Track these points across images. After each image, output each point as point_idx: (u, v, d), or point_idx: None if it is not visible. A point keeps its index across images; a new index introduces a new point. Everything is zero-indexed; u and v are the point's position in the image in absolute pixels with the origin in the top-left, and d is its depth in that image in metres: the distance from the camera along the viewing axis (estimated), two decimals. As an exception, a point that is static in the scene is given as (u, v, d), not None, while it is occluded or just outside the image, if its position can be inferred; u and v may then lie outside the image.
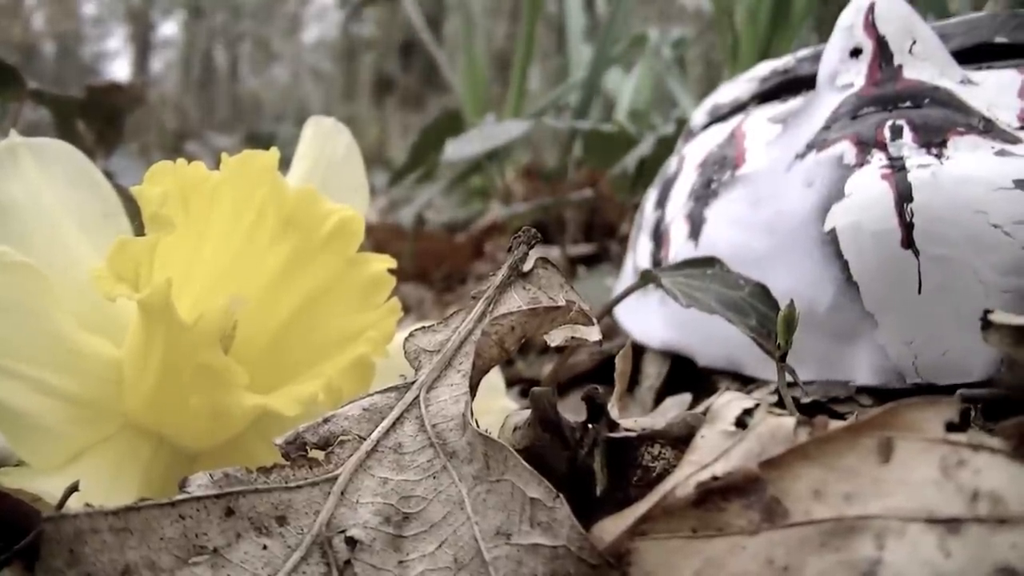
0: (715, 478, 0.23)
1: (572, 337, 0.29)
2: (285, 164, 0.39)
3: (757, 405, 0.25)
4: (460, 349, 0.29)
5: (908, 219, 0.37)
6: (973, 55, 0.44)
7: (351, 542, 0.24)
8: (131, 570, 0.23)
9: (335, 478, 0.26)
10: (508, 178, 1.29)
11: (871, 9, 0.44)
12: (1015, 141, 0.38)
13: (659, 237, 0.53)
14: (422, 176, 1.29)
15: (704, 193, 0.49)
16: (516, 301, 0.30)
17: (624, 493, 0.29)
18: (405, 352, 0.29)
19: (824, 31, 0.46)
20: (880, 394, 0.39)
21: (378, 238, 1.15)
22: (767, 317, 0.39)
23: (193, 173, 0.34)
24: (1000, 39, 0.44)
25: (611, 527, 0.25)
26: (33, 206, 0.35)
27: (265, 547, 0.24)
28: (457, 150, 1.00)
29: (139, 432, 0.33)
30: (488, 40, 2.15)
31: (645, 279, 0.44)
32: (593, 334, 0.29)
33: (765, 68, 0.55)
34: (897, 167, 0.38)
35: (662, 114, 1.55)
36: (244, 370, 0.32)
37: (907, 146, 0.39)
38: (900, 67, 0.42)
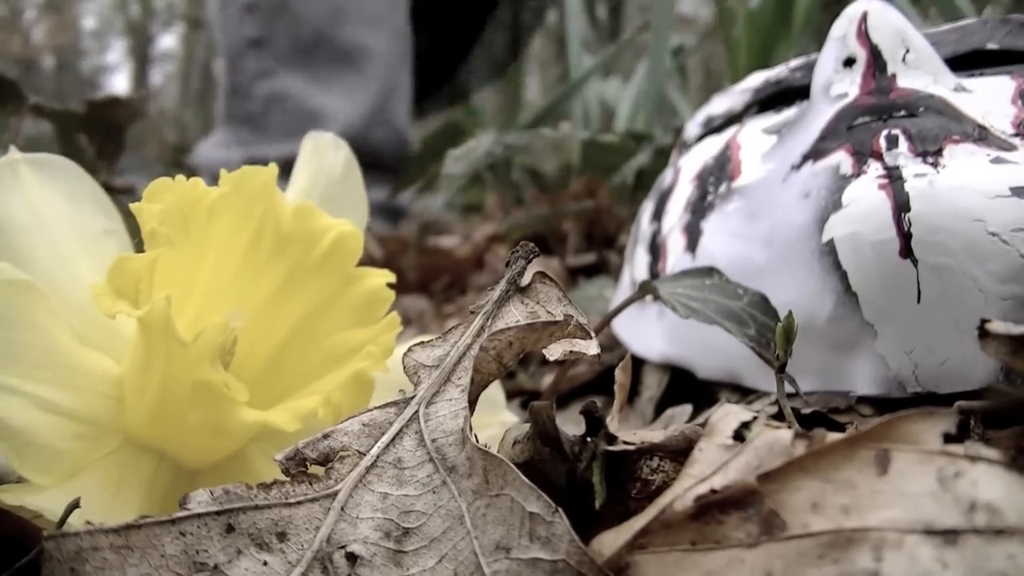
0: (713, 491, 0.23)
1: (570, 351, 0.29)
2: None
3: (755, 418, 0.26)
4: (459, 364, 0.29)
5: (906, 229, 0.37)
6: (965, 62, 0.44)
7: (351, 557, 0.24)
8: (132, 588, 0.23)
9: (335, 494, 0.26)
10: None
11: (864, 18, 0.44)
12: (1010, 148, 0.38)
13: (656, 250, 0.53)
14: (422, 187, 1.30)
15: (700, 206, 0.49)
16: (514, 316, 0.30)
17: (623, 506, 0.29)
18: (404, 367, 0.30)
19: (825, 39, 0.46)
20: (881, 404, 0.39)
21: (389, 249, 1.16)
22: (766, 327, 0.39)
23: (192, 189, 0.34)
24: (992, 46, 0.44)
25: (610, 540, 0.25)
26: (33, 222, 0.35)
27: (266, 563, 0.24)
28: (457, 161, 1.00)
29: (140, 448, 0.33)
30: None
31: (643, 290, 0.44)
32: (591, 348, 0.29)
33: (758, 78, 0.55)
34: (894, 177, 0.38)
35: (662, 123, 1.56)
36: (244, 386, 0.32)
37: (903, 155, 0.39)
38: (894, 76, 0.42)
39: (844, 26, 0.45)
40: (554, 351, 0.29)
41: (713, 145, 0.53)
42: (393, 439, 0.28)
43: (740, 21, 1.18)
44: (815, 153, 0.42)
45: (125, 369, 0.34)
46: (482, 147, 0.99)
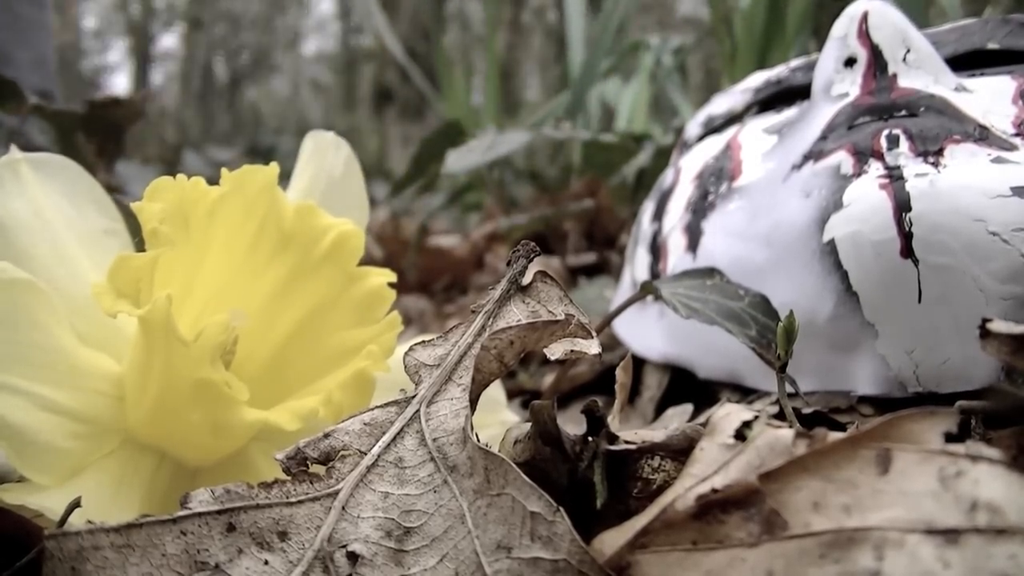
0: (715, 491, 0.23)
1: (571, 350, 0.29)
2: (285, 177, 0.40)
3: (756, 417, 0.26)
4: (460, 363, 0.29)
5: (907, 228, 0.37)
6: (966, 62, 0.44)
7: (352, 557, 0.24)
8: (133, 587, 0.23)
9: (336, 493, 0.26)
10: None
11: (864, 18, 0.44)
12: (1011, 148, 0.38)
13: (657, 250, 0.53)
14: (422, 187, 1.30)
15: (701, 205, 0.49)
16: (515, 315, 0.30)
17: (624, 506, 0.29)
18: (405, 366, 0.30)
19: (822, 37, 0.46)
20: (881, 404, 0.39)
21: (390, 249, 1.16)
22: (767, 327, 0.39)
23: (193, 189, 0.34)
24: (992, 45, 0.44)
25: (611, 540, 0.25)
26: (34, 222, 0.35)
27: (267, 562, 0.24)
28: (458, 161, 1.00)
29: (141, 448, 0.33)
30: (488, 51, 2.16)
31: (644, 290, 0.44)
32: (592, 347, 0.29)
33: (759, 78, 0.55)
34: (895, 176, 0.38)
35: (662, 123, 1.56)
36: (245, 385, 0.32)
37: (904, 155, 0.39)
38: (895, 76, 0.42)
39: (845, 26, 0.45)
40: (555, 350, 0.29)
41: (714, 145, 0.53)
42: (394, 438, 0.28)
43: (736, 22, 1.18)
44: (816, 153, 0.42)
45: (126, 368, 0.34)
46: (482, 146, 0.99)
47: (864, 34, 0.44)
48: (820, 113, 0.44)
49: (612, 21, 1.42)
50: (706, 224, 0.48)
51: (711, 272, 0.44)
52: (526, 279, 0.31)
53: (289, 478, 0.26)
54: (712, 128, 0.57)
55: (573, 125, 1.14)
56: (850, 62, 0.44)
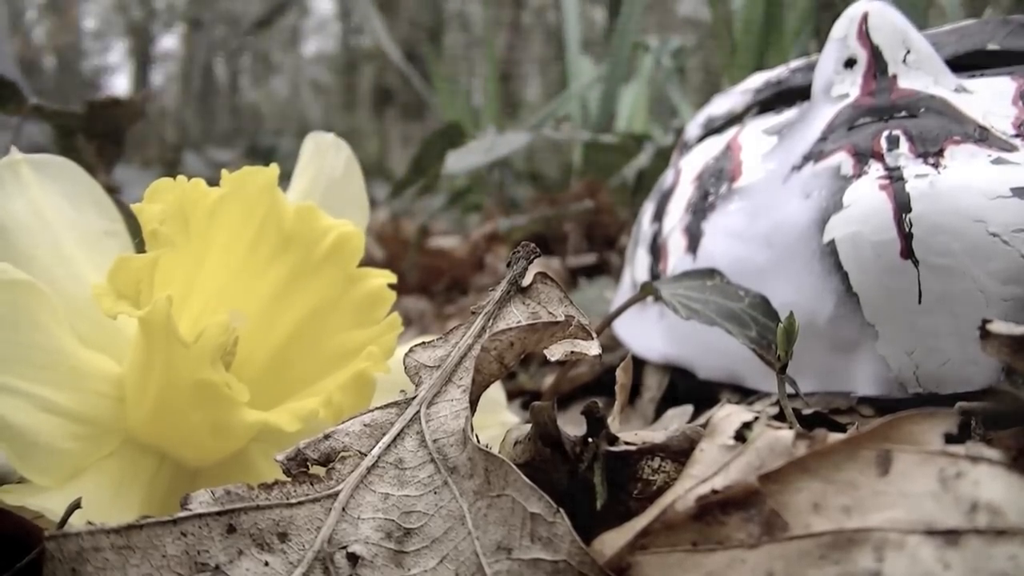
0: (715, 492, 0.23)
1: (571, 352, 0.29)
2: (285, 178, 0.40)
3: (756, 418, 0.26)
4: (460, 364, 0.29)
5: (907, 229, 0.37)
6: (966, 63, 0.44)
7: (353, 558, 0.24)
8: (133, 588, 0.23)
9: (336, 494, 0.26)
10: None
11: (864, 19, 0.44)
12: (1011, 149, 0.38)
13: (657, 251, 0.53)
14: (423, 188, 1.30)
15: (701, 206, 0.49)
16: (515, 316, 0.30)
17: (624, 507, 0.29)
18: (405, 368, 0.30)
19: (823, 39, 0.46)
20: (881, 405, 0.39)
21: (390, 250, 1.16)
22: (767, 328, 0.39)
23: (193, 190, 0.34)
24: (992, 46, 0.44)
25: (612, 541, 0.25)
26: (35, 223, 0.35)
27: (267, 563, 0.24)
28: (458, 162, 1.00)
29: (141, 449, 0.33)
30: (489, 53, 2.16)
31: (644, 291, 0.44)
32: (592, 348, 0.29)
33: (759, 79, 0.55)
34: (895, 177, 0.38)
35: (662, 124, 1.56)
36: (245, 386, 0.32)
37: (904, 156, 0.39)
38: (895, 77, 0.42)
39: (845, 27, 0.45)
40: (555, 352, 0.29)
41: (714, 146, 0.53)
42: (394, 439, 0.28)
43: (736, 24, 1.18)
44: (816, 154, 0.42)
45: (126, 369, 0.34)
46: (482, 147, 0.99)
47: (864, 35, 0.44)
48: (820, 114, 0.44)
49: (628, 29, 1.42)
50: (706, 225, 0.48)
51: (711, 273, 0.44)
52: (526, 280, 0.31)
53: (289, 479, 0.26)
54: (712, 129, 0.57)
55: (594, 137, 1.14)
56: (850, 63, 0.44)
